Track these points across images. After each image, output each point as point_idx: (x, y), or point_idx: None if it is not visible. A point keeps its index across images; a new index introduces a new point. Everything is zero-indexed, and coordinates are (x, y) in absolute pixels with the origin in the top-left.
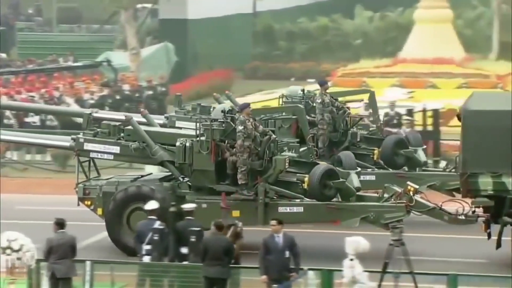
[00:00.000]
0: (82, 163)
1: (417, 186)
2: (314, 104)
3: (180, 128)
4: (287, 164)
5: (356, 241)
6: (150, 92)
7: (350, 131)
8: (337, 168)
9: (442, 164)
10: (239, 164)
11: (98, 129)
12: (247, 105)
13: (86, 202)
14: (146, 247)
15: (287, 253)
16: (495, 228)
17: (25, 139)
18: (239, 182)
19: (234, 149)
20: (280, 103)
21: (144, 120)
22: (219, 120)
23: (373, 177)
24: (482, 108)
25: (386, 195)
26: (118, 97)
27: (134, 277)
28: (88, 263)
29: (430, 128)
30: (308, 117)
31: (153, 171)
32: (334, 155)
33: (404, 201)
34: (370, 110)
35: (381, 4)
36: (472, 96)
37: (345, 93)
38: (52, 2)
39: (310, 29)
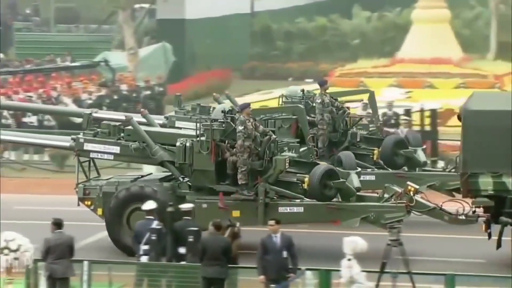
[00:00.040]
0: (82, 163)
1: (417, 186)
2: (314, 104)
3: (180, 128)
4: (287, 164)
5: (354, 241)
6: (148, 92)
7: (350, 131)
8: (337, 168)
9: (440, 164)
10: (239, 164)
11: (98, 129)
12: (247, 105)
13: (86, 202)
14: (144, 247)
15: (285, 253)
16: (495, 228)
17: (25, 139)
18: (239, 182)
19: (234, 149)
20: (280, 103)
21: (144, 120)
22: (219, 120)
23: (373, 177)
24: (483, 108)
25: (386, 195)
26: (116, 97)
27: (132, 277)
28: (85, 263)
29: (428, 128)
30: (308, 117)
31: (152, 171)
32: (334, 155)
33: (405, 201)
34: (368, 110)
35: (379, 4)
36: (472, 96)
37: (345, 93)
38: (49, 2)
39: (308, 29)
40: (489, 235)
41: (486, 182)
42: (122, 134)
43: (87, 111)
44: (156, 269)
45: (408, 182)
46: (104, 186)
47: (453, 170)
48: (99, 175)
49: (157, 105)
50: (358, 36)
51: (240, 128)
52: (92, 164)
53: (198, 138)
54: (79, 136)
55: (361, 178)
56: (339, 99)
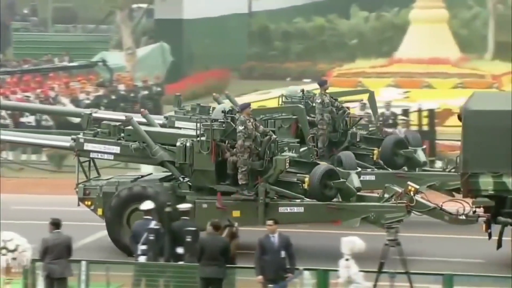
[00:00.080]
0: (82, 163)
1: (417, 186)
2: (314, 104)
3: (180, 128)
4: (287, 164)
5: (352, 241)
6: (146, 92)
7: (349, 131)
8: (338, 168)
9: (438, 164)
10: (240, 164)
11: (98, 129)
12: (247, 105)
13: (86, 202)
14: (141, 247)
15: (282, 253)
16: (495, 228)
17: (25, 139)
18: (240, 182)
19: (235, 149)
20: (280, 103)
21: (144, 120)
22: (219, 120)
23: (372, 177)
24: (483, 108)
25: (386, 195)
26: (113, 97)
27: (129, 277)
28: (83, 263)
29: (425, 128)
30: (307, 117)
31: (150, 171)
32: (334, 155)
33: (405, 201)
34: (366, 110)
35: (376, 4)
36: (472, 96)
37: (345, 93)
38: (47, 2)
39: (306, 29)
40: (490, 235)
41: (486, 182)
42: (122, 134)
43: (87, 111)
44: (154, 269)
45: (409, 182)
46: (104, 186)
47: (453, 170)
48: (99, 175)
49: (155, 105)
50: (356, 36)
51: (241, 128)
52: (91, 164)
53: (198, 138)
54: (79, 136)
55: (361, 178)
56: (339, 99)
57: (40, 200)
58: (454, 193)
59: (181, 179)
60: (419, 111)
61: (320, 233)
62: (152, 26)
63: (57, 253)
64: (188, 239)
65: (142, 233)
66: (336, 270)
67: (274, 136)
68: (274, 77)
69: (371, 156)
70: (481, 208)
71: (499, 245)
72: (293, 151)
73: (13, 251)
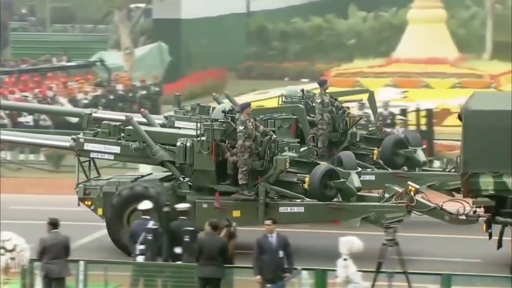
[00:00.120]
0: (82, 163)
1: (418, 186)
2: (314, 104)
3: (179, 128)
4: (288, 164)
5: (350, 241)
6: (144, 92)
7: (349, 131)
8: (338, 168)
9: (436, 163)
10: (240, 164)
11: (99, 129)
12: (247, 105)
13: (86, 202)
14: (139, 247)
15: (281, 253)
16: (496, 228)
17: (25, 139)
18: (240, 182)
19: (235, 149)
20: (280, 103)
21: (144, 120)
22: (219, 120)
23: (372, 177)
24: (483, 108)
25: (387, 195)
26: (111, 97)
27: (127, 277)
28: (81, 263)
29: (423, 128)
30: (307, 117)
31: (148, 171)
32: (334, 155)
33: (405, 201)
34: (364, 110)
35: (374, 4)
36: (473, 96)
37: (345, 93)
38: (45, 2)
39: (304, 29)
40: (490, 235)
41: (487, 182)
42: (122, 134)
43: (87, 111)
44: (152, 269)
45: (409, 182)
46: (104, 186)
47: (452, 170)
48: (99, 175)
49: (153, 105)
50: (354, 36)
51: (241, 128)
52: (91, 164)
53: (198, 138)
54: (79, 136)
55: (361, 178)
56: (338, 99)
57: (38, 200)
58: (454, 193)
59: (181, 179)
60: (417, 111)
61: (317, 233)
62: (150, 26)
63: (55, 253)
64: (186, 239)
65: (140, 233)
66: (334, 270)
67: (274, 136)
68: (272, 77)
69: (371, 156)
70: (482, 208)
71: (500, 245)
72: (293, 151)
73: (11, 251)
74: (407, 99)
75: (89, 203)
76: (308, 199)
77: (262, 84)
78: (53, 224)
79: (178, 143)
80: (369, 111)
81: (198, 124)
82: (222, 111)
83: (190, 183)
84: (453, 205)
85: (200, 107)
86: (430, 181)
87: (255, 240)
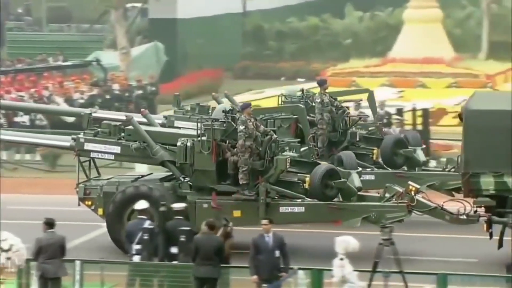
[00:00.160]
0: (82, 163)
1: (418, 186)
2: (313, 104)
3: (179, 128)
4: (288, 164)
5: (346, 241)
6: (140, 92)
7: (349, 130)
8: (338, 168)
9: (432, 163)
10: (240, 164)
11: (99, 129)
12: (248, 105)
13: (86, 202)
14: (136, 246)
15: (277, 253)
16: (497, 228)
17: (25, 139)
18: (240, 182)
19: (235, 149)
20: (279, 102)
21: (144, 120)
22: (220, 120)
23: (372, 177)
24: (484, 108)
25: (387, 195)
26: (108, 96)
27: (124, 277)
28: (77, 263)
29: (419, 127)
30: (307, 117)
31: (143, 170)
32: (334, 155)
33: (406, 201)
34: (360, 110)
35: (370, 4)
36: (473, 96)
37: (345, 92)
38: (41, 2)
39: (300, 29)
40: (491, 235)
41: (487, 182)
42: (122, 134)
43: (87, 110)
44: (148, 268)
45: (409, 182)
46: (104, 186)
47: (452, 169)
48: (99, 175)
49: (149, 104)
50: (350, 35)
51: (241, 128)
52: (91, 164)
53: (199, 138)
54: (79, 136)
55: (361, 178)
56: (338, 98)
57: (34, 199)
58: (454, 192)
59: (182, 179)
60: (413, 110)
61: (314, 232)
62: (146, 25)
63: (51, 253)
64: (182, 238)
65: (137, 232)
66: (330, 270)
67: (275, 136)
68: (268, 77)
69: (370, 155)
70: (482, 208)
71: (500, 245)
72: (294, 151)
73: (7, 250)
74: (403, 99)
75: (90, 203)
76: (309, 199)
77: (258, 84)
78: (49, 224)
79: (179, 143)
80: (365, 110)
81: (199, 124)
82: (223, 111)
83: (191, 183)
84: (453, 205)
85: (200, 107)
86: (430, 181)
87: (251, 240)
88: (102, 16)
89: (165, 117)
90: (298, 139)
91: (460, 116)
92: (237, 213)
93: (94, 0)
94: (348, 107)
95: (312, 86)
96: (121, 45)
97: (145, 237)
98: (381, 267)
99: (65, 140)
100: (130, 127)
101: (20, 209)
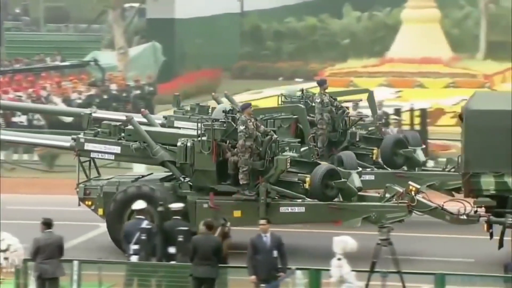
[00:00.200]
0: (82, 163)
1: (418, 186)
2: (313, 104)
3: (179, 128)
4: (288, 164)
5: (344, 241)
6: (138, 92)
7: (349, 130)
8: (339, 168)
9: (430, 163)
10: (241, 164)
11: (99, 129)
12: (248, 105)
13: (86, 202)
14: (133, 246)
15: (275, 253)
16: (497, 228)
17: (25, 139)
18: (241, 182)
19: (236, 149)
20: (279, 102)
21: (144, 120)
22: (220, 120)
23: (372, 177)
24: (484, 108)
25: (387, 195)
26: (105, 96)
27: (121, 277)
28: (75, 263)
29: (417, 127)
30: (307, 117)
31: (141, 170)
32: (333, 155)
33: (406, 201)
34: (358, 110)
35: (368, 4)
36: (474, 96)
37: (345, 92)
38: (39, 2)
39: (298, 29)
40: (491, 235)
41: (488, 182)
42: (122, 134)
43: (87, 111)
44: (146, 268)
45: (410, 182)
46: (105, 186)
47: (452, 169)
48: (99, 175)
49: (147, 104)
50: (348, 35)
51: (242, 128)
52: (91, 164)
53: (199, 138)
54: (79, 136)
55: (361, 178)
56: (338, 98)
57: (32, 199)
58: (453, 192)
59: (182, 179)
60: (411, 110)
61: (312, 232)
62: (144, 25)
63: (48, 253)
64: (180, 238)
65: (134, 232)
66: (328, 270)
67: (275, 136)
68: (266, 77)
69: (370, 155)
70: (483, 208)
71: (501, 245)
72: (294, 151)
73: (4, 251)
74: (401, 99)
75: (90, 203)
76: (309, 199)
77: (256, 84)
78: (47, 224)
79: (179, 143)
80: (363, 110)
81: (199, 124)
82: (223, 111)
83: (191, 183)
84: (453, 205)
85: (200, 107)
86: (429, 181)
87: (249, 240)
88: (100, 16)
89: (165, 117)
90: (298, 139)
91: (460, 116)
92: (237, 213)
93: (92, 0)
94: (348, 107)
95: (310, 86)
96: (119, 45)
97: (143, 237)
98: (379, 267)
99: (65, 140)
100: (130, 127)
101: (18, 209)
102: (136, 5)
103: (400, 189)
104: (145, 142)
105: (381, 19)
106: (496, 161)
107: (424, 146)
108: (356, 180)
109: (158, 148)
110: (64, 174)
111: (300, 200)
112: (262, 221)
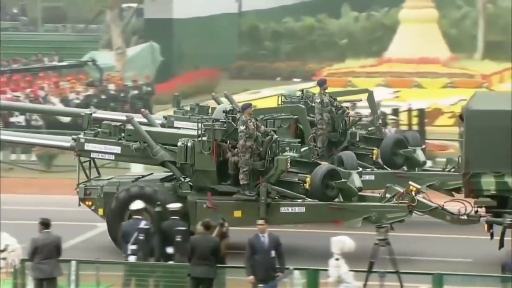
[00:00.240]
0: (82, 163)
1: (419, 186)
2: (313, 104)
3: (179, 128)
4: (289, 164)
5: (342, 241)
6: (136, 92)
7: (349, 131)
8: (339, 168)
9: (428, 163)
10: (241, 164)
11: (99, 129)
12: (248, 105)
13: (87, 203)
14: (131, 247)
15: (273, 253)
16: (497, 228)
17: (25, 139)
18: (241, 183)
19: (236, 149)
20: (279, 103)
21: (145, 120)
22: (220, 120)
23: (372, 177)
24: (485, 108)
25: (388, 195)
26: (103, 96)
27: (119, 277)
28: (73, 263)
29: (415, 127)
30: (307, 117)
31: (139, 171)
32: (333, 155)
33: (406, 201)
34: (356, 110)
35: (366, 4)
36: (474, 96)
37: (344, 92)
38: (37, 2)
39: (296, 29)
40: (492, 235)
41: (488, 182)
42: (123, 134)
43: (87, 111)
44: (144, 269)
45: (410, 182)
46: (105, 187)
47: (452, 169)
48: (99, 175)
49: (145, 104)
50: (345, 36)
51: (242, 128)
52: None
53: (199, 138)
54: (80, 136)
55: (361, 178)
56: (338, 98)
57: (30, 200)
58: (454, 192)
59: (182, 179)
60: (409, 110)
61: (310, 232)
62: (142, 25)
63: (46, 253)
64: (178, 238)
65: (132, 232)
66: (326, 270)
67: (275, 136)
68: (264, 77)
69: (370, 156)
70: (483, 208)
71: (501, 245)
72: (294, 151)
73: (2, 251)
74: (399, 99)
75: (90, 203)
76: (309, 199)
77: (254, 84)
78: (45, 224)
79: (179, 143)
80: (361, 110)
81: (199, 124)
82: (223, 111)
83: (191, 183)
84: (453, 205)
85: (199, 107)
86: (430, 181)
87: (247, 240)
88: (98, 16)
89: (165, 117)
90: (298, 139)
91: (460, 116)
92: (237, 214)
93: (89, 0)
94: (347, 107)
95: (308, 86)
96: (116, 45)
97: (141, 237)
98: (377, 267)
99: (65, 141)
100: (131, 127)
101: (15, 209)
102: (134, 5)
103: (401, 189)
104: (145, 142)
105: (379, 19)
106: (497, 161)
107: (424, 146)
108: (356, 180)
109: (159, 148)
110: (62, 174)
111: (300, 200)
112: (260, 221)
